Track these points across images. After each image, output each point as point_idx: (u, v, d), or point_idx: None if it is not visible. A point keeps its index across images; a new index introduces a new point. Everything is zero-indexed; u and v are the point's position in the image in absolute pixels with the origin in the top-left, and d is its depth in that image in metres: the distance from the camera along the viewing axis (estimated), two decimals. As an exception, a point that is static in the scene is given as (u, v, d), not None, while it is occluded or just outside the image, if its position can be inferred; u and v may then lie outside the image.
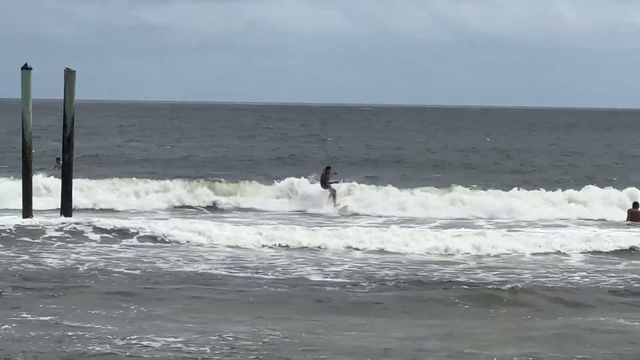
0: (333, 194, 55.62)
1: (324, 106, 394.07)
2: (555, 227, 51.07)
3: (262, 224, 47.63)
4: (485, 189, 62.31)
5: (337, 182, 56.24)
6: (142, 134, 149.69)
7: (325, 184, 56.39)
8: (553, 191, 60.49)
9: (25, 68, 46.30)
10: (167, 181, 60.32)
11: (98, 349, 25.56)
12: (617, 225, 51.55)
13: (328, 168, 58.23)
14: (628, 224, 51.41)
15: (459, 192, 59.75)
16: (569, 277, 37.60)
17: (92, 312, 30.30)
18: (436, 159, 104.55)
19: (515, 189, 60.70)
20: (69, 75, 47.10)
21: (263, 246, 43.05)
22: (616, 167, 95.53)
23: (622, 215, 53.75)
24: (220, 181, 61.83)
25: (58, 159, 49.26)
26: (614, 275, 38.14)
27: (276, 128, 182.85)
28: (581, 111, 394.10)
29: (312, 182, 59.61)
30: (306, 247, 43.14)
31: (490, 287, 34.96)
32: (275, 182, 60.78)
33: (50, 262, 38.56)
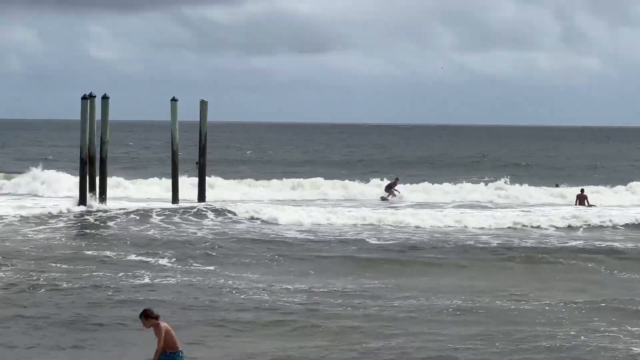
0: (394, 195, 55.00)
1: (376, 125, 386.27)
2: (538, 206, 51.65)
3: (338, 209, 47.29)
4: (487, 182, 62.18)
5: (399, 192, 55.35)
6: (258, 143, 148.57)
7: (391, 189, 55.61)
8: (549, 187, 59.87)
9: (173, 100, 48.00)
10: (275, 180, 59.93)
11: (252, 291, 26.17)
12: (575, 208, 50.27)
13: (397, 179, 57.34)
14: (576, 205, 51.37)
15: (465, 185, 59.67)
16: (565, 242, 38.06)
17: (239, 265, 31.02)
18: (456, 160, 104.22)
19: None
20: (203, 104, 48.89)
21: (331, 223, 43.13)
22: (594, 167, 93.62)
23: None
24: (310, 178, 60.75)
25: (197, 162, 50.53)
26: (582, 239, 39.02)
27: (349, 139, 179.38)
28: (549, 127, 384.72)
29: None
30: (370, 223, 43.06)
31: (510, 249, 35.53)
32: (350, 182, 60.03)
33: (192, 231, 39.74)
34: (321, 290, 26.57)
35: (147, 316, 15.80)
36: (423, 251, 35.12)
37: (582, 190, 53.76)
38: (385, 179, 59.89)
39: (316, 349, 20.10)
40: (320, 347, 20.34)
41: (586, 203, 51.98)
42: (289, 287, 26.96)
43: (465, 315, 23.52)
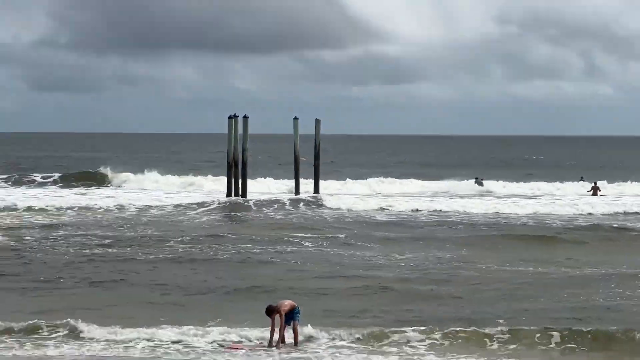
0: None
1: (445, 135, 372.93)
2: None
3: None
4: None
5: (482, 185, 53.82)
6: (363, 149, 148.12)
7: (481, 184, 53.90)
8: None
9: (295, 118, 47.43)
10: (375, 178, 58.05)
11: (377, 259, 25.19)
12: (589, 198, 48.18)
13: (479, 178, 55.68)
14: (591, 195, 49.84)
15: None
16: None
17: (360, 239, 29.79)
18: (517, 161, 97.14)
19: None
20: (317, 122, 48.23)
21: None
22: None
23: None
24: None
25: (314, 163, 50.23)
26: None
27: (441, 146, 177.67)
28: (573, 137, 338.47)
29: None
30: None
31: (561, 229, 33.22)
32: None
33: (313, 214, 39.23)
34: (422, 262, 25.19)
35: (270, 312, 16.01)
36: (518, 230, 32.93)
37: (595, 183, 52.56)
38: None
39: (439, 308, 19.15)
40: (442, 305, 19.46)
41: (598, 193, 50.77)
42: (402, 257, 26.02)
43: (569, 283, 21.98)
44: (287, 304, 16.09)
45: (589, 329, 16.53)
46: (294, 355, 15.48)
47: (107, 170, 58.51)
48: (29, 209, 40.39)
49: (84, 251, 27.00)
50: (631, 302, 19.68)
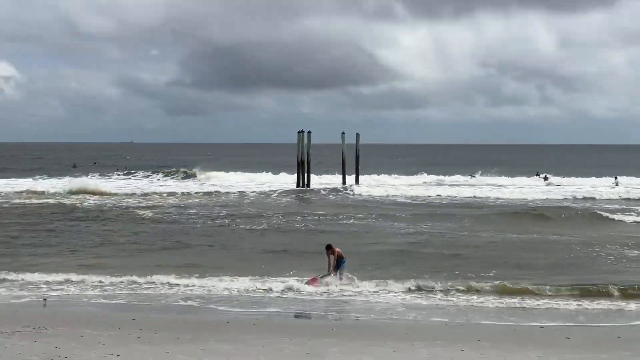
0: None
1: (447, 144, 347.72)
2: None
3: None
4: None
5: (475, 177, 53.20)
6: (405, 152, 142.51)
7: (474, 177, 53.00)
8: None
9: (342, 133, 45.77)
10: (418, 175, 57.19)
11: (401, 229, 24.10)
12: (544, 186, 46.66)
13: (472, 175, 54.47)
14: (546, 184, 48.19)
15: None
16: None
17: (389, 213, 28.71)
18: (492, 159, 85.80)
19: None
20: (357, 135, 47.28)
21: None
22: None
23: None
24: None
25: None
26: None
27: (442, 151, 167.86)
28: (531, 145, 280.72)
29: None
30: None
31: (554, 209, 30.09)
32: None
33: (354, 196, 38.27)
34: (453, 236, 22.99)
35: (328, 248, 16.12)
36: (498, 209, 30.89)
37: (545, 175, 51.64)
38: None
39: (450, 262, 18.11)
40: (453, 260, 18.40)
41: (548, 181, 49.39)
42: (426, 226, 24.77)
43: (540, 246, 20.60)
44: (339, 250, 16.17)
45: (559, 277, 15.93)
46: (345, 292, 15.09)
47: (201, 169, 59.42)
48: (167, 194, 40.31)
49: (208, 222, 26.72)
50: (587, 259, 18.95)
